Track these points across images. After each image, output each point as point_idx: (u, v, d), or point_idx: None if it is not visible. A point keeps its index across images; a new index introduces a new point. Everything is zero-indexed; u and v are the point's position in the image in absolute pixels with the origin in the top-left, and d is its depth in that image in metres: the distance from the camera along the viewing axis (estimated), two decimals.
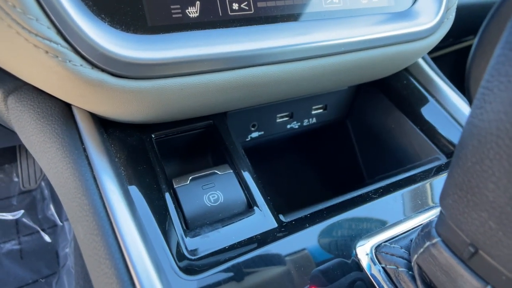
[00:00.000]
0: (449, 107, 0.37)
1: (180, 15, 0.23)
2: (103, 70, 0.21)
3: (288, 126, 0.39)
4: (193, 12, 0.24)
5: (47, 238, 0.95)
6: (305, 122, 0.40)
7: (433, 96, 0.38)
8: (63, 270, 0.88)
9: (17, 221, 0.96)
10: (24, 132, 0.27)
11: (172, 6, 0.23)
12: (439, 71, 0.39)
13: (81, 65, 0.21)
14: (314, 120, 0.40)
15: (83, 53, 0.20)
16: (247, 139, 0.38)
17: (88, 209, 0.23)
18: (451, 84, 0.39)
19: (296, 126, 0.40)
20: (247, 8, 0.26)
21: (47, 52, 0.20)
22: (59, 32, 0.20)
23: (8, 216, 0.96)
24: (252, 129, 0.38)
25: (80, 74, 0.21)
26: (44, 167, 0.27)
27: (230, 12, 0.25)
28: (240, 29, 0.25)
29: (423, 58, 0.40)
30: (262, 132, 0.38)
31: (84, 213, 0.24)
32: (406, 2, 0.32)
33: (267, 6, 0.26)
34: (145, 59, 0.21)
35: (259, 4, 0.26)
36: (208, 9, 0.24)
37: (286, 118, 0.38)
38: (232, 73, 0.25)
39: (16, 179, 1.01)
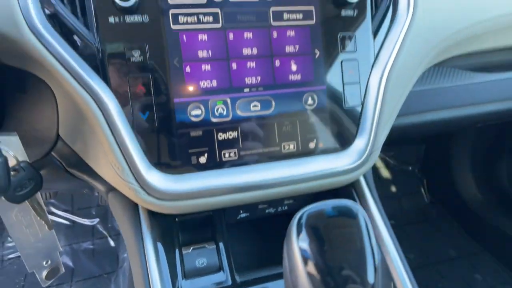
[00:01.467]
0: None
1: (196, 161, 0.45)
2: (154, 197, 0.43)
3: (267, 211, 0.59)
4: (202, 160, 0.45)
5: (112, 243, 1.23)
6: (279, 209, 0.59)
7: None
8: (121, 270, 1.14)
9: (93, 227, 1.25)
10: (114, 213, 0.51)
11: (192, 157, 0.44)
12: (376, 196, 0.56)
13: (143, 194, 0.43)
14: (286, 208, 0.59)
15: (145, 188, 0.42)
16: (237, 218, 0.58)
17: (137, 262, 0.46)
18: (383, 213, 0.55)
19: (272, 211, 0.59)
20: (234, 156, 0.46)
21: (129, 187, 0.42)
22: (135, 179, 0.42)
23: (87, 222, 1.25)
24: (241, 211, 0.58)
25: (142, 198, 0.43)
26: (120, 227, 0.50)
27: (223, 159, 0.46)
28: (231, 169, 0.45)
29: (367, 183, 0.57)
30: (248, 214, 0.58)
31: (136, 263, 0.46)
32: (342, 146, 0.50)
33: (246, 153, 0.47)
34: (174, 190, 0.43)
35: (242, 153, 0.47)
36: (211, 158, 0.46)
37: (265, 205, 0.58)
38: (231, 196, 0.45)
39: (96, 194, 1.32)
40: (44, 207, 0.51)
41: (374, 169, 1.50)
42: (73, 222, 1.25)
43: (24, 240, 0.51)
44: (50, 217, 1.21)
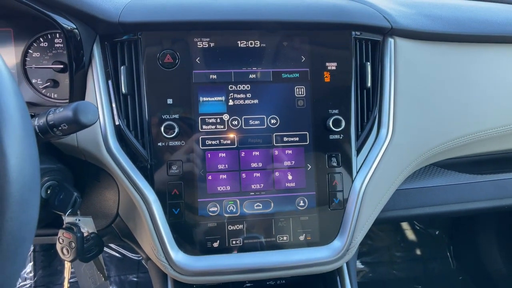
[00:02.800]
0: None
1: (211, 246, 0.61)
2: (179, 272, 0.59)
3: (268, 283, 0.72)
4: (216, 245, 0.61)
5: None
6: (278, 282, 0.73)
7: None
8: None
9: (138, 262, 1.44)
10: (150, 275, 0.68)
11: (208, 243, 0.61)
12: (355, 281, 0.67)
13: (170, 270, 0.59)
14: (284, 281, 0.73)
15: (172, 266, 0.59)
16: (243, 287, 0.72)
17: None
18: None
19: (272, 283, 0.73)
20: (240, 243, 0.62)
21: (161, 263, 0.59)
22: (165, 258, 0.59)
23: (134, 256, 1.46)
24: (247, 283, 0.72)
25: (170, 272, 0.59)
26: None
27: (231, 245, 0.61)
28: (237, 254, 0.60)
29: (348, 270, 0.68)
30: (253, 284, 0.72)
31: None
32: (325, 241, 0.63)
33: (249, 242, 0.62)
34: (194, 268, 0.59)
35: (245, 241, 0.62)
36: (222, 244, 0.61)
37: (269, 280, 0.72)
38: (236, 276, 0.60)
39: None
40: (103, 264, 0.70)
41: (400, 231, 1.56)
42: (123, 255, 1.47)
43: (87, 286, 0.70)
44: (106, 249, 1.43)
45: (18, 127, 0.35)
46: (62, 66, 0.72)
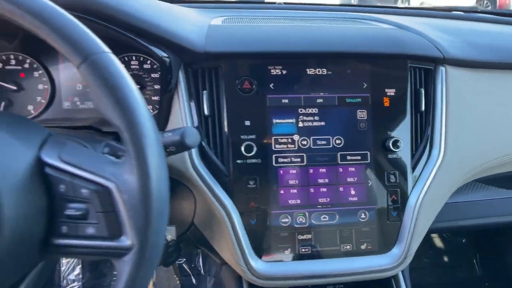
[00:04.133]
0: None
1: (283, 254, 0.68)
2: (256, 277, 0.66)
3: None
4: (287, 253, 0.68)
5: (194, 281, 1.48)
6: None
7: None
8: None
9: (180, 265, 1.52)
10: (224, 278, 0.75)
11: (280, 251, 0.68)
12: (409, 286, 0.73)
13: (249, 274, 0.66)
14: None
15: (251, 271, 0.66)
16: None
17: None
18: None
19: None
20: (309, 251, 0.69)
21: (240, 268, 0.66)
22: (245, 264, 0.66)
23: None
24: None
25: (248, 277, 0.66)
26: None
27: (301, 253, 0.68)
28: (306, 261, 0.67)
29: (404, 277, 0.75)
30: None
31: None
32: (384, 249, 0.70)
33: (317, 250, 0.69)
34: (269, 274, 0.66)
35: (313, 249, 0.69)
36: (293, 252, 0.68)
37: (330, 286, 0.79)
38: (305, 281, 0.67)
39: None
40: (177, 267, 0.77)
41: (428, 239, 1.61)
42: None
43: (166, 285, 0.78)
44: None
45: (157, 150, 0.42)
46: (138, 86, 0.80)
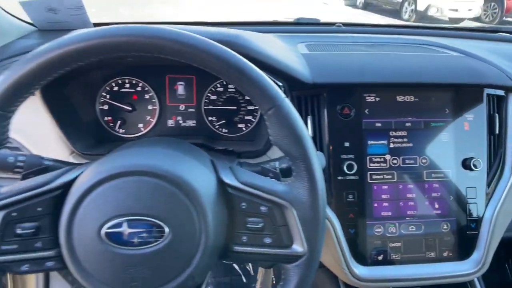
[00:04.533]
0: None
1: (376, 259, 0.77)
2: (355, 279, 0.76)
3: None
4: (380, 258, 0.77)
5: (244, 280, 1.58)
6: None
7: None
8: None
9: (231, 265, 1.62)
10: (317, 278, 0.85)
11: (375, 256, 0.77)
12: None
13: (350, 276, 0.75)
14: None
15: (352, 274, 0.75)
16: None
17: None
18: None
19: None
20: (399, 257, 0.78)
21: (341, 271, 0.76)
22: (347, 268, 0.75)
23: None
24: None
25: (349, 279, 0.76)
26: None
27: (392, 259, 0.78)
28: (396, 266, 0.77)
29: (479, 283, 0.84)
30: None
31: None
32: (464, 257, 0.79)
33: (405, 256, 0.78)
34: (366, 276, 0.75)
35: (403, 256, 0.78)
36: (386, 257, 0.77)
37: None
38: (398, 283, 0.77)
39: None
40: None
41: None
42: None
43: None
44: None
45: (322, 176, 0.52)
46: (235, 107, 0.90)
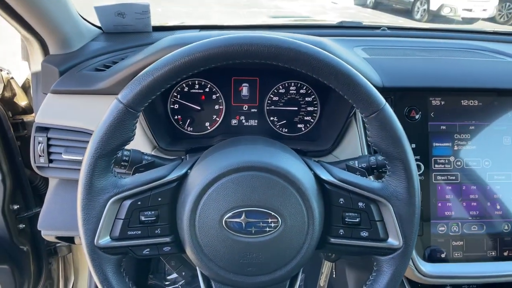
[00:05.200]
0: None
1: (440, 258, 0.80)
2: (422, 275, 0.79)
3: None
4: (443, 256, 0.80)
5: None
6: None
7: None
8: None
9: None
10: None
11: (438, 255, 0.80)
12: None
13: (416, 273, 0.79)
14: None
15: (417, 269, 0.78)
16: None
17: None
18: None
19: None
20: (461, 256, 0.81)
21: (409, 268, 0.79)
22: (413, 265, 0.78)
23: None
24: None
25: (416, 275, 0.79)
26: None
27: (454, 257, 0.81)
28: (460, 264, 0.80)
29: None
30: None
31: None
32: None
33: (469, 255, 0.81)
34: (431, 273, 0.78)
35: (465, 254, 0.81)
36: (448, 256, 0.81)
37: None
38: (463, 280, 0.80)
39: None
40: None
41: None
42: None
43: (321, 283, 0.91)
44: None
45: (417, 174, 0.55)
46: (296, 108, 0.93)
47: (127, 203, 0.53)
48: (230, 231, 0.51)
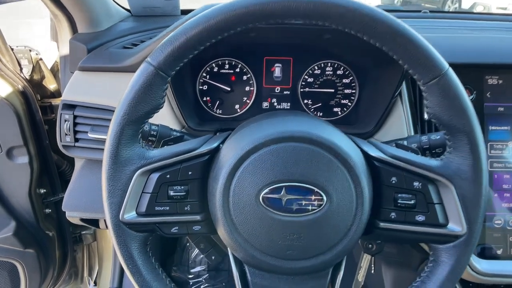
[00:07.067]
0: None
1: (493, 255, 0.72)
2: (476, 273, 0.71)
3: None
4: (498, 252, 0.72)
5: None
6: None
7: None
8: None
9: None
10: None
11: (493, 252, 0.71)
12: None
13: (469, 270, 0.71)
14: None
15: (471, 267, 0.70)
16: None
17: None
18: None
19: None
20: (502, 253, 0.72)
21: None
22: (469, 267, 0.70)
23: None
24: None
25: (470, 273, 0.71)
26: None
27: (497, 254, 0.72)
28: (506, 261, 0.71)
29: None
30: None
31: None
32: None
33: None
34: (486, 270, 0.70)
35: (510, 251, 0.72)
36: (504, 251, 0.72)
37: None
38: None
39: None
40: None
41: None
42: None
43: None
44: None
45: (485, 151, 0.48)
46: (332, 90, 0.87)
47: (155, 176, 0.48)
48: (268, 208, 0.45)
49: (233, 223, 0.46)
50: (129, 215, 0.48)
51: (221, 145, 0.52)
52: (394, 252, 0.89)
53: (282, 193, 0.45)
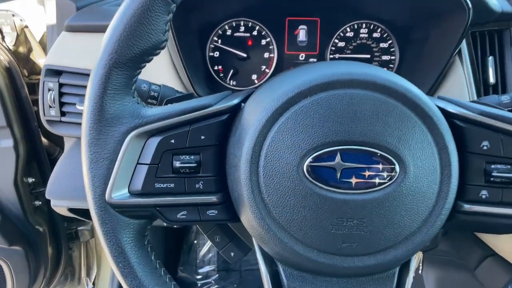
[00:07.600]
0: None
1: None
2: None
3: None
4: None
5: None
6: None
7: None
8: None
9: None
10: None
11: None
12: None
13: None
14: None
15: None
16: None
17: None
18: None
19: None
20: None
21: None
22: None
23: None
24: None
25: None
26: None
27: None
28: None
29: None
30: None
31: None
32: None
33: None
34: None
35: None
36: None
37: None
38: None
39: None
40: None
41: None
42: None
43: None
44: None
45: None
46: (368, 55, 0.73)
47: (155, 140, 0.34)
48: (315, 183, 0.31)
49: (265, 205, 0.32)
50: (119, 194, 0.34)
51: (242, 104, 0.38)
52: (444, 248, 0.75)
53: (336, 161, 0.31)
